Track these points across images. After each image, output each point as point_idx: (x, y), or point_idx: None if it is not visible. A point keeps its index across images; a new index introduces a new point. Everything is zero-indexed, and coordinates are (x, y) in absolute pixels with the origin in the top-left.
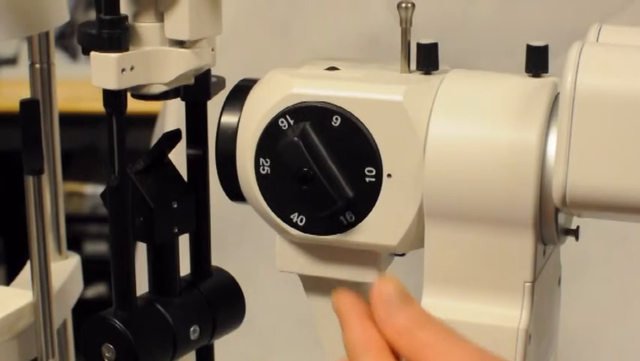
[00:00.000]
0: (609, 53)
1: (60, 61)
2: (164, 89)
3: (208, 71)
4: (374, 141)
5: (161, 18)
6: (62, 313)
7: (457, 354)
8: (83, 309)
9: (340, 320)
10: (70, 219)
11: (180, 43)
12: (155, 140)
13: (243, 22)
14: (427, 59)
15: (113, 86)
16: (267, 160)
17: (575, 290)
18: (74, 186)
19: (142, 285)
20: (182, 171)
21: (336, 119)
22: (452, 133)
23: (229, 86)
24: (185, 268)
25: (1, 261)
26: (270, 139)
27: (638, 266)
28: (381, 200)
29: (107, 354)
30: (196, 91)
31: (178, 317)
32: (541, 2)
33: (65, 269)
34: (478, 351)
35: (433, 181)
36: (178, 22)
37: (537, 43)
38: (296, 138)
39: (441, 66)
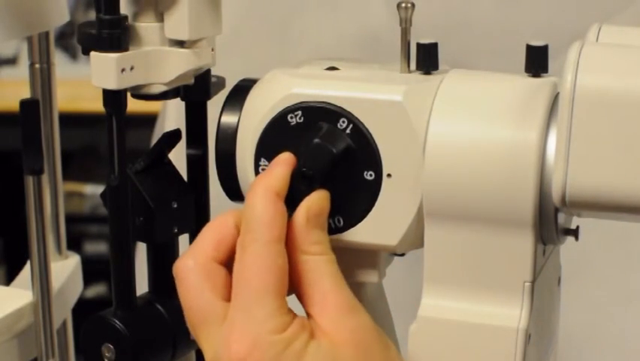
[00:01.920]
0: (609, 53)
1: (60, 61)
2: (164, 89)
3: (208, 71)
4: (374, 141)
5: (161, 18)
6: (62, 313)
7: (326, 294)
8: (83, 309)
9: (250, 190)
10: (70, 219)
11: (180, 44)
12: (155, 140)
13: (243, 22)
14: (427, 59)
15: (112, 86)
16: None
17: (575, 290)
18: (74, 186)
19: (142, 285)
20: (182, 171)
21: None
22: (452, 133)
23: (229, 86)
24: None
25: (1, 261)
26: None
27: (638, 266)
28: (381, 200)
29: (107, 354)
30: (196, 91)
31: (178, 317)
32: (541, 2)
33: (65, 269)
34: (347, 301)
35: (433, 181)
36: (178, 22)
37: (537, 43)
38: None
39: (441, 66)
